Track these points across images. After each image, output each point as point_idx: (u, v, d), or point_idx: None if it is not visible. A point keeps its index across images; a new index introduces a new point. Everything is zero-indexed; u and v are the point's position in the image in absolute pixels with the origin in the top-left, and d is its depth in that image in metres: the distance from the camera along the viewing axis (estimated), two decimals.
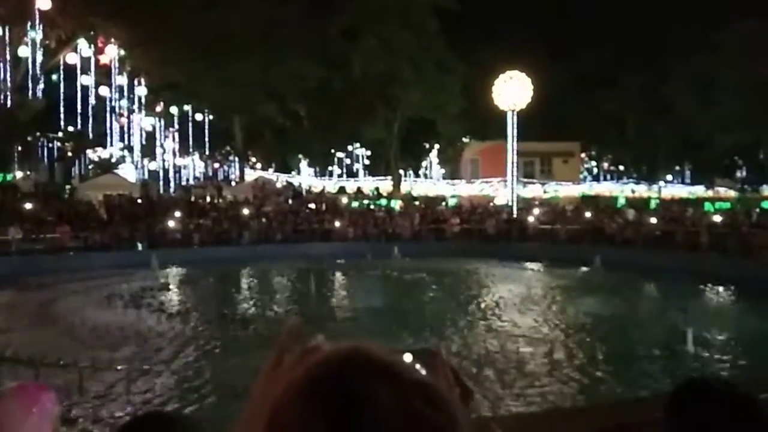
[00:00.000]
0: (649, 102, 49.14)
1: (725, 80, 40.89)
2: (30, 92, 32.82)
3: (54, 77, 35.68)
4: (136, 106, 40.54)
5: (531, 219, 27.37)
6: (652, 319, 13.03)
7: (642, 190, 47.87)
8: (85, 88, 36.46)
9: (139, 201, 30.73)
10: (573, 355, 10.05)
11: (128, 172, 39.22)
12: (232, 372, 8.97)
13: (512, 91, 30.83)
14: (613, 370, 9.17)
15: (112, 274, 18.98)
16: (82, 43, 34.55)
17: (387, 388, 0.54)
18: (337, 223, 27.35)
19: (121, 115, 40.51)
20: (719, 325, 12.22)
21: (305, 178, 52.09)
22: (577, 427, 4.54)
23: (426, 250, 24.41)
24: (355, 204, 34.75)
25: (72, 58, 34.43)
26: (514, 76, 31.08)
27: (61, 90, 35.77)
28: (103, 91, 37.62)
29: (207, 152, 49.99)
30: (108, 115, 39.42)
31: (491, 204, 34.10)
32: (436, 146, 53.77)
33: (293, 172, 53.51)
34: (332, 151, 53.83)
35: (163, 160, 44.41)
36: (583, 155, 55.69)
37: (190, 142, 46.39)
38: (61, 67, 35.23)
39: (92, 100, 37.46)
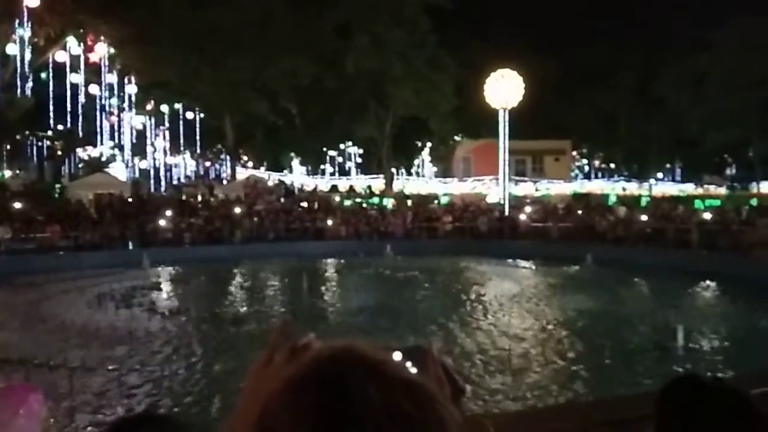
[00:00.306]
0: (640, 100, 49.43)
1: (716, 78, 41.13)
2: (19, 90, 32.54)
3: (43, 75, 35.42)
4: (126, 105, 40.31)
5: (523, 217, 27.44)
6: (643, 316, 13.10)
7: (633, 188, 48.14)
8: (74, 87, 36.21)
9: (130, 200, 30.58)
10: (564, 352, 10.09)
11: (119, 171, 39.02)
12: (224, 371, 8.96)
13: (504, 89, 30.89)
14: (605, 367, 9.23)
15: (103, 274, 18.87)
16: (71, 41, 34.30)
17: (376, 387, 0.55)
18: (330, 222, 27.31)
19: (111, 113, 40.28)
20: (709, 322, 12.32)
21: (297, 176, 51.99)
22: (568, 423, 4.55)
23: (418, 248, 24.42)
24: (347, 202, 34.76)
25: (61, 56, 34.18)
26: (506, 75, 31.14)
27: (51, 88, 35.51)
28: (93, 89, 37.37)
29: (198, 151, 49.80)
30: (98, 113, 39.18)
31: (483, 202, 34.17)
32: (429, 144, 53.80)
33: (285, 171, 53.39)
34: (324, 149, 53.75)
35: (154, 159, 44.20)
36: (574, 153, 55.94)
37: (181, 141, 46.20)
38: (50, 65, 34.97)
39: (82, 99, 37.22)
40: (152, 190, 39.00)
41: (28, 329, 12.21)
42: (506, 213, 29.03)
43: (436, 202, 36.93)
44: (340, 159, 58.86)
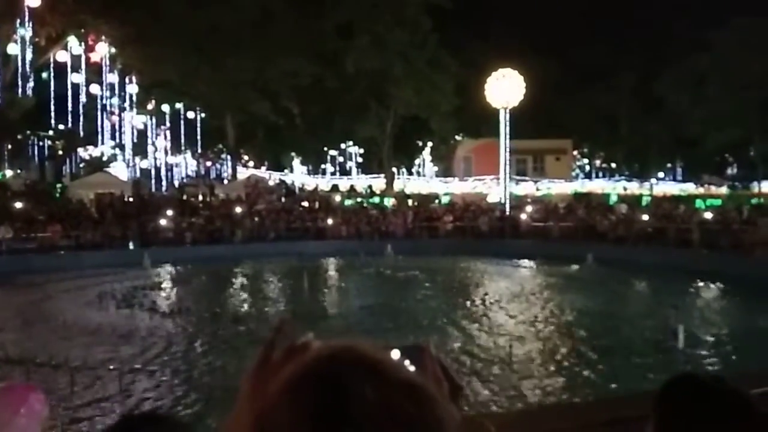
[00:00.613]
0: (641, 99, 49.39)
1: (717, 78, 41.10)
2: (20, 90, 32.57)
3: (44, 75, 35.45)
4: (127, 104, 40.35)
5: (524, 216, 27.43)
6: (644, 315, 13.09)
7: (634, 188, 48.14)
8: (75, 86, 36.26)
9: (131, 200, 30.60)
10: (565, 351, 10.09)
11: (120, 171, 39.03)
12: (225, 371, 8.96)
13: (505, 88, 30.88)
14: (606, 366, 9.21)
15: (104, 273, 18.89)
16: (72, 41, 34.33)
17: (374, 387, 0.55)
18: (330, 222, 27.32)
19: (113, 113, 40.31)
20: (710, 322, 12.31)
21: (298, 176, 52.00)
22: (569, 423, 4.55)
23: (419, 247, 24.41)
24: (348, 202, 34.77)
25: (62, 56, 34.21)
26: (507, 74, 31.13)
27: (52, 88, 35.54)
28: (94, 89, 37.41)
29: (199, 150, 49.83)
30: (99, 113, 39.22)
31: (484, 202, 34.16)
32: (429, 144, 53.78)
33: (286, 170, 53.39)
34: (325, 149, 53.74)
35: (155, 159, 44.22)
36: (575, 153, 55.93)
37: (182, 141, 46.22)
38: (51, 65, 35.01)
39: (83, 98, 37.27)
40: (153, 189, 39.00)
41: (29, 329, 12.22)
42: (507, 212, 29.02)
43: (437, 201, 36.93)
44: (340, 159, 58.86)
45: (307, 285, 17.10)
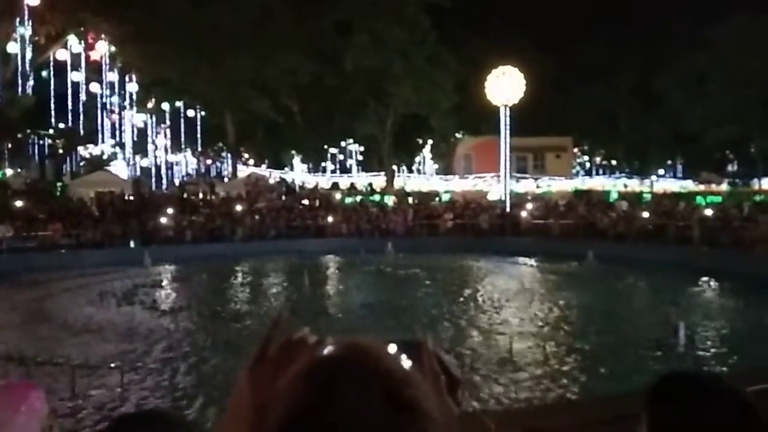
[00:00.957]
0: (641, 97, 49.35)
1: (716, 76, 41.08)
2: (20, 89, 32.57)
3: (44, 74, 35.45)
4: (127, 103, 40.35)
5: (524, 214, 27.42)
6: (644, 312, 13.10)
7: (634, 185, 48.11)
8: (75, 85, 36.27)
9: (131, 198, 30.60)
10: (565, 349, 10.09)
11: (120, 169, 39.03)
12: (225, 368, 8.97)
13: (505, 86, 30.85)
14: (606, 364, 9.21)
15: (105, 272, 18.91)
16: (72, 40, 34.33)
17: (359, 389, 0.55)
18: (331, 219, 27.32)
19: (113, 111, 40.31)
20: (711, 319, 12.31)
21: (298, 174, 51.98)
22: (569, 420, 4.56)
23: (419, 245, 24.41)
24: (348, 200, 34.72)
25: (62, 55, 34.21)
26: (507, 72, 31.10)
27: (52, 87, 35.53)
28: (94, 87, 37.41)
29: (199, 148, 49.83)
30: (99, 111, 39.23)
31: (484, 199, 34.15)
32: (429, 142, 53.76)
33: (286, 168, 53.38)
34: (325, 146, 53.70)
35: (155, 157, 44.23)
36: (575, 150, 55.88)
37: (182, 139, 46.22)
38: (51, 64, 34.99)
39: (83, 97, 37.27)
40: (153, 188, 39.00)
41: (29, 327, 12.23)
42: (507, 210, 29.01)
43: (437, 199, 36.89)
44: (341, 156, 58.83)
45: (308, 283, 17.10)
